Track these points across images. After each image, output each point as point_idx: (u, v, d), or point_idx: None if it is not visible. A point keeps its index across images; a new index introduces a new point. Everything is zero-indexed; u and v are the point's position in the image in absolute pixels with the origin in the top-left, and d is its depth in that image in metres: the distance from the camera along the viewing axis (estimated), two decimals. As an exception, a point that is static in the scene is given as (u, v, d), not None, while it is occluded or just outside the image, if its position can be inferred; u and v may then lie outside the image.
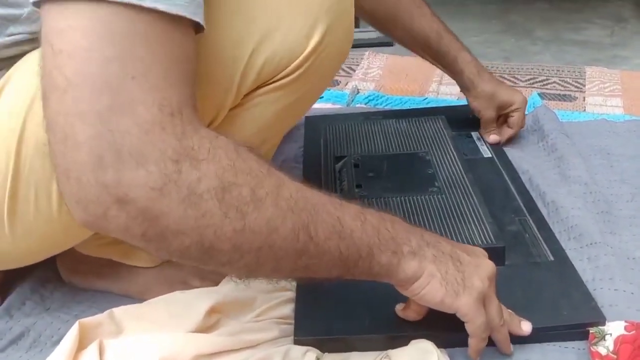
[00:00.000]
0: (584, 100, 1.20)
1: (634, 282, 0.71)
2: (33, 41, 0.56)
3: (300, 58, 0.59)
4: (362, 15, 0.97)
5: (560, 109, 1.15)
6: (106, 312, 0.66)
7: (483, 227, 0.74)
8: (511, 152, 1.00)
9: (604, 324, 0.63)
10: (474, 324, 0.56)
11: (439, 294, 0.54)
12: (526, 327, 0.61)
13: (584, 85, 1.26)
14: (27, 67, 0.56)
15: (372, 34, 1.61)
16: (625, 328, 0.61)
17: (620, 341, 0.60)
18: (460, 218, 0.76)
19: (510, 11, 1.75)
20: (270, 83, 0.61)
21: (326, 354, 0.62)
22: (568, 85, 1.27)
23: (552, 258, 0.73)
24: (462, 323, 0.57)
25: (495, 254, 0.69)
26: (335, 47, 0.62)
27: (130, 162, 0.41)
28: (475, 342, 0.58)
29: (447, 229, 0.74)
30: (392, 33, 1.00)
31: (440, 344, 0.61)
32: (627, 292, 0.69)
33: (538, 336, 0.63)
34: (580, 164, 0.93)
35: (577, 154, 0.96)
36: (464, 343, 0.60)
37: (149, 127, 0.41)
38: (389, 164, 0.90)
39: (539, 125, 1.06)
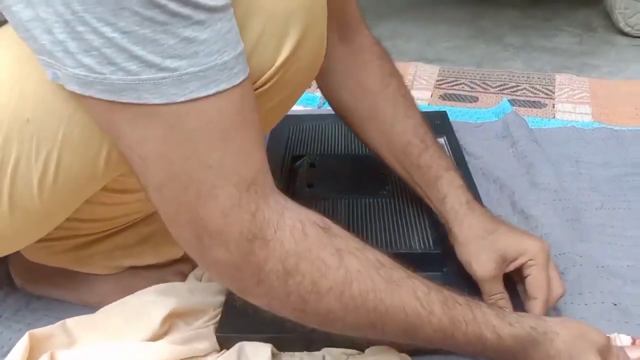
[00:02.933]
0: (553, 107, 1.21)
1: (603, 290, 0.71)
2: None
3: (269, 72, 0.54)
4: (339, 111, 0.77)
5: (530, 116, 1.15)
6: (59, 323, 0.63)
7: (424, 233, 0.74)
8: (482, 159, 0.99)
9: None
10: None
11: None
12: None
13: (554, 92, 1.26)
14: None
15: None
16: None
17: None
18: (404, 222, 0.76)
19: (481, 17, 1.76)
20: None
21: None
22: (538, 92, 1.27)
23: None
24: None
25: (433, 260, 0.71)
26: (306, 60, 0.57)
27: (217, 242, 0.46)
28: None
29: (390, 233, 0.74)
30: (366, 134, 0.75)
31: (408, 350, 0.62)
32: (596, 304, 0.69)
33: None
34: (550, 171, 0.92)
35: (547, 161, 0.96)
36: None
37: (229, 210, 0.45)
38: (344, 165, 0.90)
39: (509, 132, 1.06)
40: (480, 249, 0.64)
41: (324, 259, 0.47)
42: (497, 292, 0.64)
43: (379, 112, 0.72)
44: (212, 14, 0.42)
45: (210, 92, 0.43)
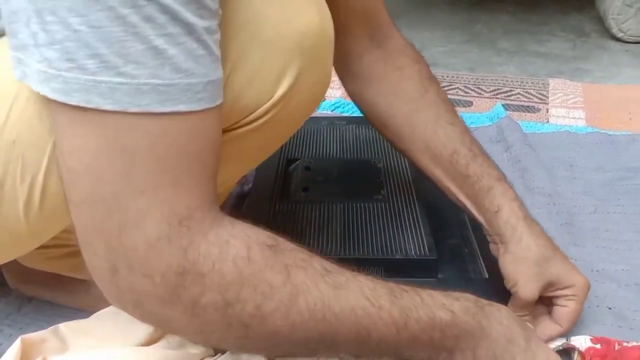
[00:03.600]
0: (547, 111, 1.21)
1: (598, 294, 0.71)
2: None
3: (266, 106, 0.50)
4: (372, 117, 0.73)
5: (523, 120, 1.15)
6: (51, 328, 0.62)
7: (419, 238, 0.73)
8: (476, 162, 0.99)
9: None
10: None
11: None
12: None
13: (548, 97, 1.27)
14: None
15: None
16: (592, 341, 0.61)
17: (591, 355, 0.59)
18: (399, 228, 0.76)
19: (475, 22, 1.77)
20: (232, 129, 0.52)
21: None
22: (532, 97, 1.28)
23: (486, 275, 0.72)
24: None
25: (427, 266, 0.71)
26: (308, 93, 0.53)
27: (139, 273, 0.41)
28: None
29: (384, 238, 0.74)
30: (404, 142, 0.71)
31: None
32: (591, 307, 0.69)
33: None
34: (544, 176, 0.93)
35: (541, 165, 0.96)
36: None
37: (155, 242, 0.41)
38: (340, 169, 0.90)
39: (503, 136, 1.06)
40: (532, 274, 0.61)
41: (270, 280, 0.43)
42: (526, 312, 0.62)
43: (420, 119, 0.69)
44: (189, 31, 0.39)
45: (165, 109, 0.39)
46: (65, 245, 0.65)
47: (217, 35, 0.43)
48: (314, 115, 1.17)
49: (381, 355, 0.50)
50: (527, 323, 0.58)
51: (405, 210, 0.79)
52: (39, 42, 0.39)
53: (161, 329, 0.47)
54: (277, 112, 0.51)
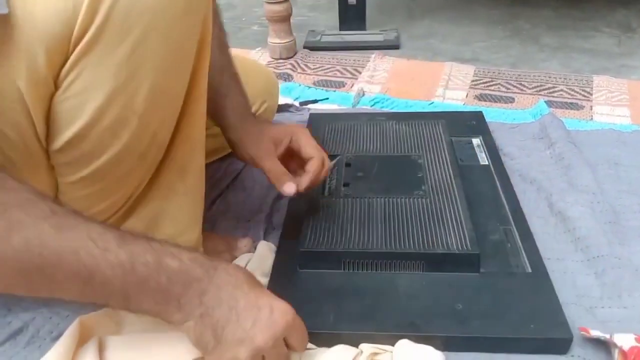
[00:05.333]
0: (591, 109, 1.19)
1: (643, 294, 0.70)
2: None
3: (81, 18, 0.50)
4: None
5: (567, 117, 1.14)
6: (104, 309, 0.65)
7: (461, 233, 0.74)
8: (518, 160, 0.99)
9: (569, 341, 0.63)
10: None
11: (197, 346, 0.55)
12: None
13: (592, 94, 1.25)
14: None
15: (378, 36, 1.60)
16: (636, 340, 0.60)
17: (634, 354, 0.59)
18: (441, 222, 0.76)
19: (517, 17, 1.75)
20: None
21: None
22: (575, 94, 1.26)
23: (529, 270, 0.72)
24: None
25: (470, 261, 0.71)
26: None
27: None
28: None
29: (425, 233, 0.74)
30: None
31: (441, 347, 0.63)
32: (635, 307, 0.68)
33: (503, 346, 0.63)
34: (588, 173, 0.92)
35: (585, 163, 0.95)
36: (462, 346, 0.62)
37: None
38: (380, 165, 0.90)
39: (546, 134, 1.05)
40: (258, 141, 0.75)
41: None
42: (279, 169, 0.73)
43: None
44: None
45: None
46: None
47: None
48: (353, 111, 1.19)
49: (108, 300, 0.51)
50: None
51: (446, 206, 0.79)
52: None
53: None
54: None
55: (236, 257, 0.77)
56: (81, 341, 0.62)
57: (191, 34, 0.59)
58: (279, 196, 0.89)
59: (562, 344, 0.63)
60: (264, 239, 0.82)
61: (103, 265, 0.48)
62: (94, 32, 0.51)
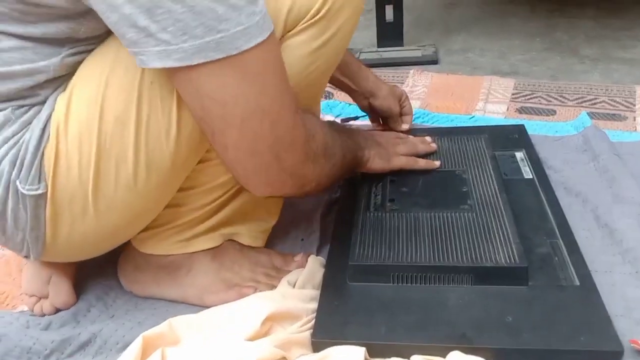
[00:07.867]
0: (634, 120, 1.19)
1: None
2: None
3: (318, 4, 0.67)
4: None
5: (610, 129, 1.14)
6: (166, 322, 0.68)
7: (509, 247, 0.74)
8: (562, 173, 0.99)
9: (620, 353, 0.63)
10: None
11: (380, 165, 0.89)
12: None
13: (634, 105, 1.25)
14: (89, 66, 0.64)
15: (416, 52, 1.62)
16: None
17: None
18: (488, 236, 0.77)
19: (555, 28, 1.74)
20: (294, 30, 0.68)
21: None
22: (617, 105, 1.26)
23: (577, 283, 0.72)
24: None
25: (518, 274, 0.72)
26: None
27: (291, 151, 0.66)
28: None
29: (473, 247, 0.75)
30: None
31: (492, 359, 0.64)
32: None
33: (553, 358, 0.64)
34: (634, 185, 0.92)
35: (630, 174, 0.95)
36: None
37: (292, 128, 0.65)
38: (424, 180, 0.92)
39: (590, 146, 1.05)
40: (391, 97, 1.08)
41: (317, 132, 0.71)
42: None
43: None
44: None
45: (251, 45, 0.56)
46: (174, 224, 0.76)
47: None
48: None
49: (338, 160, 0.77)
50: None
51: (493, 219, 0.80)
52: (151, 31, 0.53)
53: (301, 183, 0.70)
54: (328, 8, 0.67)
55: (291, 272, 0.80)
56: (146, 353, 0.65)
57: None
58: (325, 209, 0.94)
59: (613, 357, 0.63)
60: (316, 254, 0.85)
61: (337, 145, 0.76)
62: (313, 21, 0.68)
